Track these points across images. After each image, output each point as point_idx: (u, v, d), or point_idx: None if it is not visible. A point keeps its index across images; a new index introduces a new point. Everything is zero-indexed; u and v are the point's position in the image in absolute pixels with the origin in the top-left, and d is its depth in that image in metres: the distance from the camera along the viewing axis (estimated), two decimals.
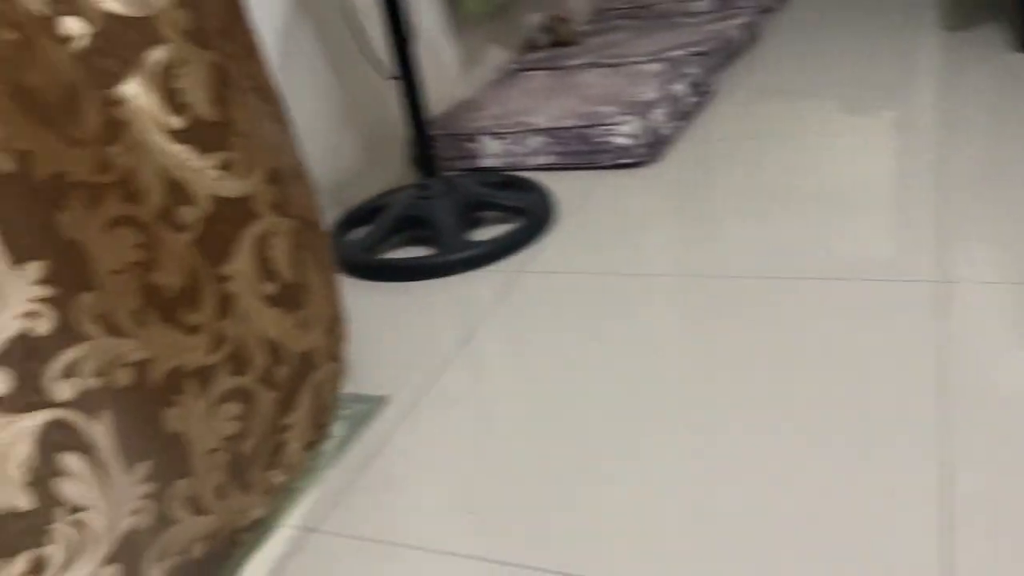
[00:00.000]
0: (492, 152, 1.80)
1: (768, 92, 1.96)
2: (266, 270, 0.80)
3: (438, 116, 1.94)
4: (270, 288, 0.80)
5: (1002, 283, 1.08)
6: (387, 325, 1.27)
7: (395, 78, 1.45)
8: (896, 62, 1.96)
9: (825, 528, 0.78)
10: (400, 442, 1.00)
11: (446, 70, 2.05)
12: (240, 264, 0.74)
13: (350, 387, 1.12)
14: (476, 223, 1.54)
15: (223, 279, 0.73)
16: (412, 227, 1.51)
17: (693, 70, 1.94)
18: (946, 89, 1.75)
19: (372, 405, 1.08)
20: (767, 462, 0.87)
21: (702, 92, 1.95)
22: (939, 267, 1.14)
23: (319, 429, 0.95)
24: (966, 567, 0.71)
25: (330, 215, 1.64)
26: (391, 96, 1.81)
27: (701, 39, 2.15)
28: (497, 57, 2.28)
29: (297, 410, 0.87)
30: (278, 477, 0.86)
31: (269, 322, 0.79)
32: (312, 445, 0.93)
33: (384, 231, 1.50)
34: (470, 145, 1.81)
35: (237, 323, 0.74)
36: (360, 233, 1.54)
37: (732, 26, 2.25)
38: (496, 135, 1.79)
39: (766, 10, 2.51)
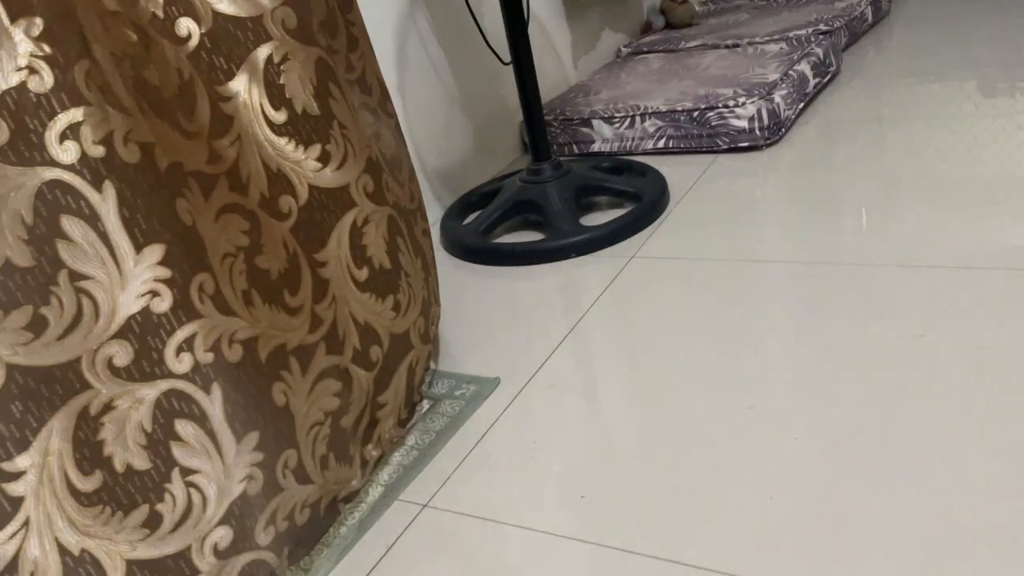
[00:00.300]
0: (605, 136, 1.79)
1: (894, 72, 1.86)
2: (360, 256, 0.83)
3: (552, 101, 1.95)
4: (363, 273, 0.83)
5: None
6: (499, 308, 1.29)
7: (510, 63, 1.46)
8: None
9: (987, 540, 0.74)
10: (509, 423, 1.02)
11: (559, 55, 2.05)
12: (335, 250, 0.78)
13: (463, 368, 1.15)
14: (588, 208, 1.53)
15: (319, 264, 0.76)
16: (525, 211, 1.52)
17: (817, 50, 1.86)
18: None
19: (484, 386, 1.10)
20: (897, 461, 0.83)
21: (826, 73, 1.87)
22: None
23: (411, 408, 0.98)
24: None
25: (446, 199, 1.68)
26: (506, 81, 1.83)
27: (826, 17, 2.05)
28: (611, 40, 2.26)
29: (391, 388, 0.90)
30: (374, 451, 0.89)
31: (361, 306, 0.82)
32: (404, 423, 0.96)
33: (497, 215, 1.52)
34: (583, 129, 1.81)
35: (335, 306, 0.77)
36: (474, 217, 1.57)
37: (859, 2, 2.14)
38: (609, 119, 1.78)
39: None
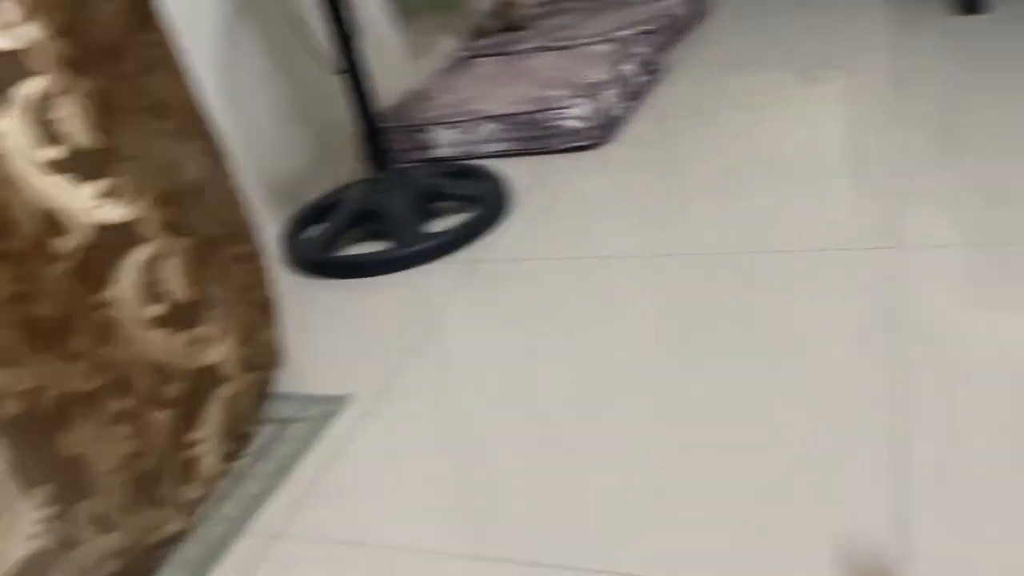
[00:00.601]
0: (445, 142, 1.79)
1: (718, 67, 1.96)
2: (152, 293, 0.79)
3: (389, 108, 1.93)
4: (156, 310, 0.79)
5: (954, 246, 1.10)
6: (346, 323, 1.27)
7: (341, 72, 1.43)
8: (843, 31, 1.97)
9: (784, 492, 0.79)
10: (363, 441, 1.00)
11: (393, 61, 2.03)
12: (121, 289, 0.74)
13: (311, 388, 1.11)
14: (432, 215, 1.53)
15: (102, 306, 0.72)
16: (367, 222, 1.50)
17: (642, 49, 1.94)
18: (894, 55, 1.76)
19: (332, 406, 1.08)
20: (732, 435, 0.88)
21: (652, 71, 1.95)
22: (893, 233, 1.16)
23: (238, 440, 0.95)
24: (923, 534, 0.73)
25: (285, 215, 1.63)
26: (339, 91, 1.80)
27: (648, 17, 2.14)
28: (446, 45, 2.27)
29: (204, 424, 0.86)
30: (194, 491, 0.85)
31: (154, 344, 0.78)
32: (232, 456, 0.92)
33: (339, 227, 1.49)
34: (423, 136, 1.80)
35: (119, 348, 0.73)
36: (315, 231, 1.53)
37: (679, 3, 2.25)
38: (448, 124, 1.78)
39: None
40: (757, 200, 1.33)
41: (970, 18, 1.82)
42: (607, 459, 0.88)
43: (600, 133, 1.68)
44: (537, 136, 1.71)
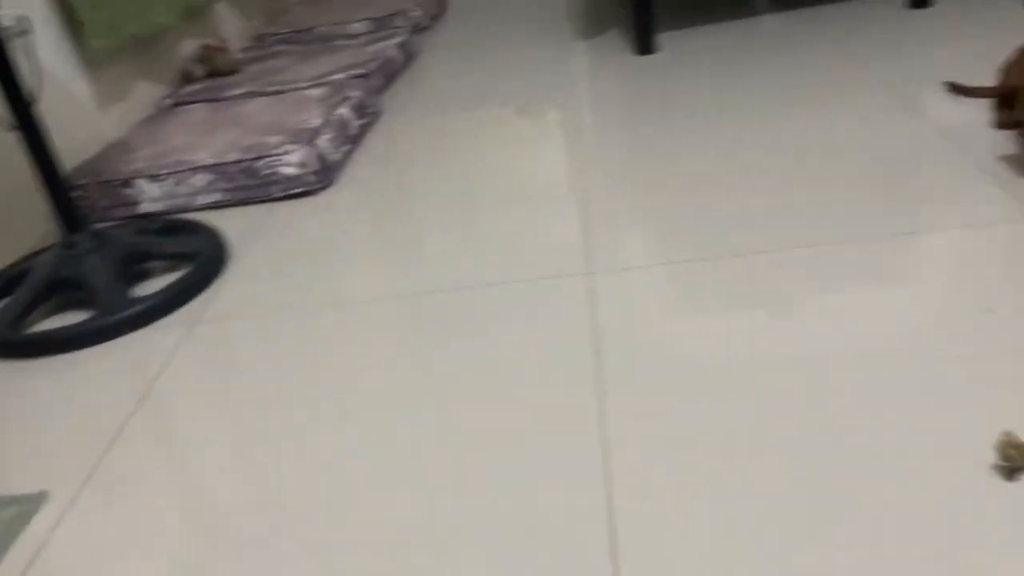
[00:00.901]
0: (152, 196, 1.67)
1: (433, 107, 2.01)
2: None
3: (84, 163, 1.77)
4: None
5: (647, 266, 1.19)
6: (43, 408, 1.13)
7: (14, 129, 1.29)
8: (541, 70, 2.11)
9: (504, 526, 0.80)
10: (63, 540, 0.89)
11: (85, 110, 1.87)
12: None
13: (2, 489, 0.98)
14: (139, 276, 1.41)
15: None
16: (64, 290, 1.36)
17: (356, 92, 1.94)
18: (587, 91, 1.90)
19: (27, 505, 0.95)
20: (457, 459, 0.88)
21: (367, 114, 1.95)
22: (593, 259, 1.24)
23: None
24: (625, 537, 0.77)
25: None
26: (16, 149, 1.62)
27: (361, 61, 2.15)
28: (148, 92, 2.13)
29: None
30: None
31: None
32: None
33: (29, 300, 1.33)
34: (126, 191, 1.67)
35: None
36: (1, 306, 1.36)
37: (390, 46, 2.28)
38: (154, 177, 1.66)
39: (420, 29, 2.58)
40: (481, 234, 1.37)
41: (646, 57, 2.03)
42: (350, 515, 0.86)
43: (319, 178, 1.65)
44: (253, 185, 1.65)
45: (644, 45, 2.04)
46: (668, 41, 2.09)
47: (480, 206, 1.48)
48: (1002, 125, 1.32)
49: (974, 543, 0.71)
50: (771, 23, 2.10)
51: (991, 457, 0.77)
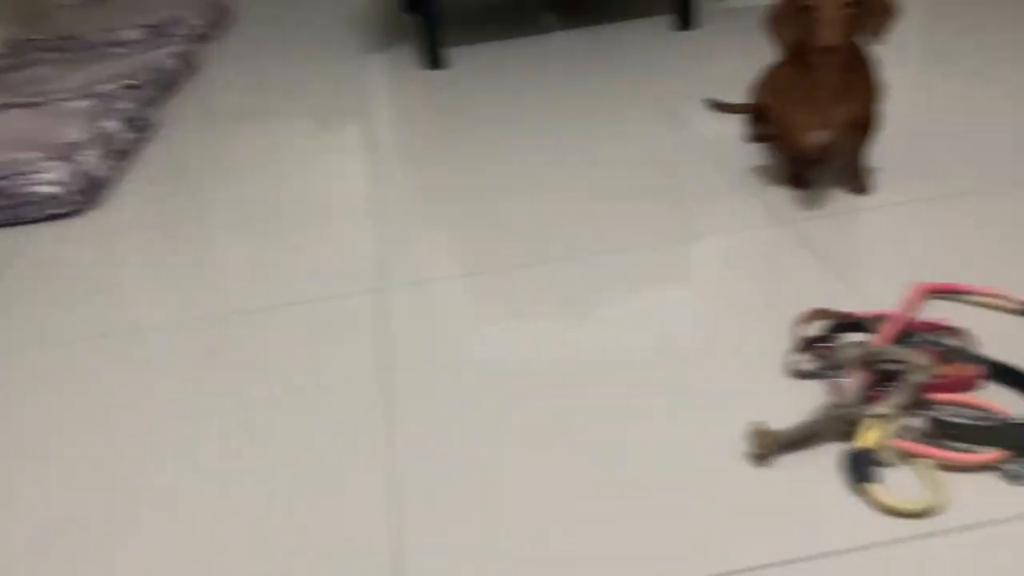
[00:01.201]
0: None
1: (214, 121, 1.92)
2: None
3: None
4: None
5: (439, 279, 1.19)
6: None
7: None
8: (331, 84, 2.07)
9: (283, 529, 0.77)
10: None
11: None
12: None
13: None
14: None
15: None
16: None
17: (126, 104, 1.81)
18: (378, 105, 1.89)
19: None
20: (244, 485, 0.84)
21: (141, 127, 1.83)
22: (387, 274, 1.22)
23: None
24: (415, 555, 0.76)
25: None
26: None
27: (133, 70, 2.02)
28: None
29: None
30: None
31: None
32: None
33: None
34: None
35: None
36: None
37: (166, 55, 2.15)
38: None
39: (201, 37, 2.46)
40: (269, 254, 1.32)
41: (437, 72, 2.04)
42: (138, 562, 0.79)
43: (83, 198, 1.52)
44: (5, 206, 1.50)
45: (434, 60, 2.05)
46: (458, 56, 2.12)
47: (269, 224, 1.42)
48: (752, 138, 1.44)
49: (730, 524, 0.75)
50: (555, 41, 2.18)
51: (743, 446, 0.83)
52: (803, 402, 0.86)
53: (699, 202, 1.33)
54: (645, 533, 0.76)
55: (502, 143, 1.61)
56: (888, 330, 0.93)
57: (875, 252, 1.15)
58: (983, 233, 1.16)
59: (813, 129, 1.23)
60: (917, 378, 0.84)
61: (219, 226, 1.43)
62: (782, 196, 1.30)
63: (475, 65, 2.06)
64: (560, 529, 0.77)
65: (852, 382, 0.85)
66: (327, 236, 1.36)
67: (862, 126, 1.27)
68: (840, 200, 1.28)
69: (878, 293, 1.05)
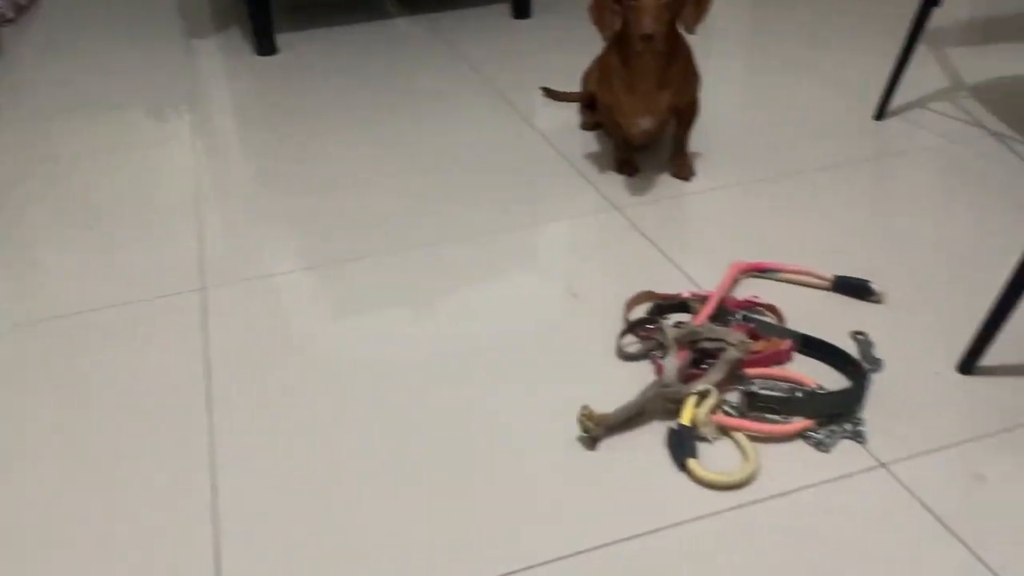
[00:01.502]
0: None
1: (21, 111, 1.77)
2: None
3: None
4: None
5: (270, 275, 1.15)
6: None
7: None
8: (158, 71, 1.95)
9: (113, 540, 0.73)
10: None
11: None
12: None
13: None
14: None
15: None
16: None
17: None
18: (205, 93, 1.79)
19: None
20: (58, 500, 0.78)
21: None
22: (213, 271, 1.17)
23: None
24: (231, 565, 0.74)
25: None
26: None
27: None
28: None
29: None
30: None
31: None
32: None
33: None
34: None
35: None
36: None
37: None
38: None
39: (4, 21, 2.26)
40: (91, 253, 1.23)
41: (268, 58, 1.96)
42: None
43: None
44: None
45: (264, 46, 1.98)
46: (292, 42, 2.05)
47: (92, 222, 1.32)
48: (586, 126, 1.47)
49: (564, 506, 0.77)
50: (393, 27, 2.14)
51: (576, 429, 0.85)
52: (632, 382, 0.89)
53: (534, 189, 1.35)
54: (480, 519, 0.76)
55: (336, 132, 1.57)
56: (706, 310, 0.97)
57: (697, 234, 1.20)
58: (791, 214, 1.24)
59: (638, 116, 1.27)
60: (733, 355, 0.88)
61: (38, 226, 1.32)
62: (614, 182, 1.34)
63: (310, 51, 2.00)
64: (390, 518, 0.77)
65: (674, 361, 0.89)
66: (153, 233, 1.28)
67: (684, 113, 1.32)
68: (665, 185, 1.33)
69: (701, 272, 1.10)
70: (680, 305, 1.01)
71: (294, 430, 0.89)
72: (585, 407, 0.84)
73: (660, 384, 0.86)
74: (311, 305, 1.09)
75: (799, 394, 0.87)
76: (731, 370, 0.88)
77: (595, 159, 1.41)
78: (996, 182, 1.29)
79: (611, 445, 0.84)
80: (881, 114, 1.49)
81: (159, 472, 0.84)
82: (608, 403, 0.85)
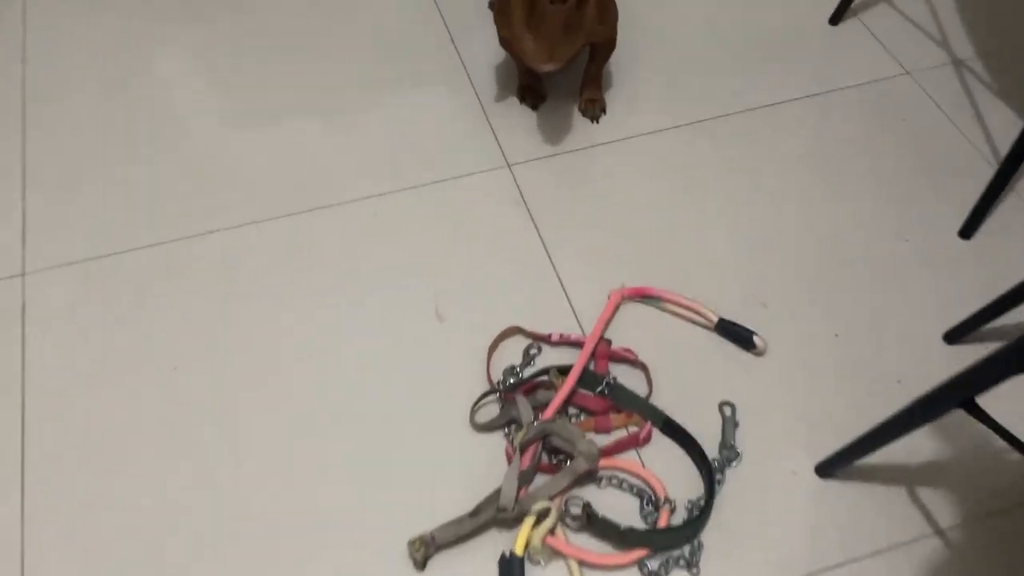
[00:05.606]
0: None
1: None
2: None
3: None
4: None
5: (75, 263, 1.03)
6: None
7: None
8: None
9: None
10: None
11: None
12: None
13: None
14: None
15: None
16: None
17: None
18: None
19: None
20: None
21: None
22: (27, 256, 1.03)
23: None
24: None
25: None
26: None
27: None
28: None
29: None
30: None
31: None
32: None
33: None
34: None
35: None
36: None
37: None
38: None
39: None
40: None
41: None
42: None
43: None
44: None
45: None
46: None
47: None
48: (501, 40, 1.21)
49: None
50: None
51: (404, 549, 0.82)
52: (486, 453, 0.87)
53: (443, 144, 1.16)
54: None
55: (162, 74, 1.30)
56: (557, 401, 0.89)
57: (590, 220, 1.07)
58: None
59: (540, 61, 1.07)
60: (581, 466, 0.84)
61: None
62: (512, 121, 1.16)
63: None
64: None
65: (516, 469, 0.83)
66: None
67: (598, 49, 1.12)
68: (570, 130, 1.15)
69: (583, 294, 1.00)
70: (542, 371, 0.93)
71: (98, 431, 0.85)
72: (414, 535, 0.81)
73: (497, 508, 0.82)
74: (108, 296, 0.99)
75: (637, 527, 0.82)
76: (575, 482, 0.84)
77: (499, 73, 1.21)
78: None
79: (441, 564, 0.82)
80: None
81: None
82: (456, 482, 0.83)
